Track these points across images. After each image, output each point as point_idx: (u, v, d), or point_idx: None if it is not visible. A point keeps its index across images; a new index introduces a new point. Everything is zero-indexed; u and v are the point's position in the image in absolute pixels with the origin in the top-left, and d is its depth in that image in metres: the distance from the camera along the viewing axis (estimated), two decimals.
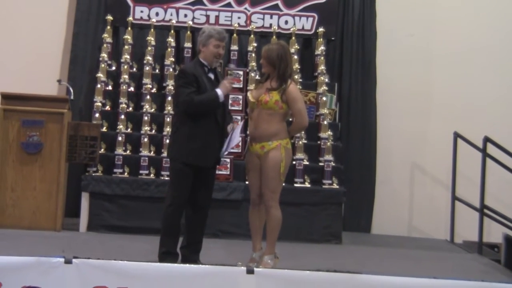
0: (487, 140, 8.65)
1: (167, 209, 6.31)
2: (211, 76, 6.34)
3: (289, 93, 6.27)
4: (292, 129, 6.46)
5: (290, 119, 6.60)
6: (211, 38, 6.28)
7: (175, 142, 6.35)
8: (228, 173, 8.52)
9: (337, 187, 8.64)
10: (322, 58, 9.57)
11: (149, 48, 9.42)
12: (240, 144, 8.58)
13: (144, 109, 8.89)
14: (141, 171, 8.56)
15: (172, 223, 6.29)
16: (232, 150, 8.59)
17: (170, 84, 8.98)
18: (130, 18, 9.68)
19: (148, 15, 9.76)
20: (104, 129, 8.82)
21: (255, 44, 9.53)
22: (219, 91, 6.20)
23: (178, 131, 6.31)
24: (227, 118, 6.50)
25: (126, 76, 9.13)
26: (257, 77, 8.90)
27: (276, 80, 6.30)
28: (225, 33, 6.44)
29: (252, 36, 9.67)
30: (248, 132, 6.61)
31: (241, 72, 9.33)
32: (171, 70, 9.25)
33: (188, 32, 9.65)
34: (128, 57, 9.34)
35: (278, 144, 6.26)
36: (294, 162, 8.57)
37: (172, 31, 9.57)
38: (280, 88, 6.26)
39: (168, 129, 8.66)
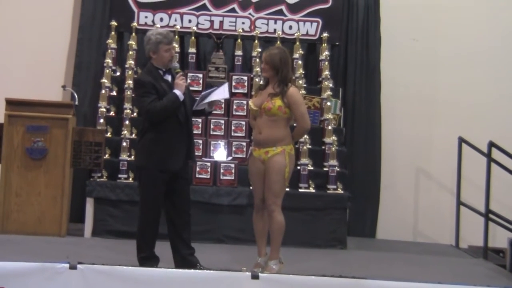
0: (492, 145, 8.63)
1: (140, 215, 6.37)
2: (168, 78, 6.36)
3: (290, 96, 6.27)
4: (295, 133, 6.47)
5: (294, 124, 6.60)
6: (160, 44, 6.29)
7: (142, 149, 6.37)
8: (233, 178, 8.51)
9: (342, 192, 8.63)
10: (326, 63, 9.56)
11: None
12: (244, 149, 8.60)
13: None
14: None
15: (148, 229, 6.33)
16: (236, 155, 8.65)
17: None
18: (135, 24, 9.69)
19: (153, 21, 9.76)
20: (108, 135, 8.82)
21: (259, 50, 9.51)
22: (176, 91, 6.22)
23: (143, 138, 6.34)
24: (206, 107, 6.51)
25: (130, 82, 9.11)
26: (261, 82, 8.90)
27: (278, 85, 6.31)
28: (171, 34, 6.47)
29: (256, 41, 9.66)
30: (252, 138, 6.61)
31: (245, 78, 9.35)
32: None
33: (193, 37, 9.66)
34: (133, 62, 9.35)
35: (282, 150, 6.28)
36: (298, 167, 8.57)
37: (176, 36, 9.55)
38: (282, 92, 6.27)
39: None
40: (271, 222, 6.33)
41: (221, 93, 6.56)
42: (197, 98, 6.57)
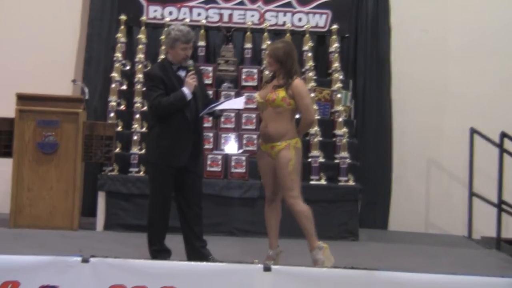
0: (504, 135, 8.60)
1: (149, 209, 6.42)
2: (181, 74, 6.32)
3: (295, 88, 6.26)
4: (300, 126, 6.44)
5: (298, 116, 6.59)
6: (177, 42, 6.24)
7: (150, 144, 6.43)
8: (244, 171, 8.51)
9: (353, 184, 8.62)
10: (336, 55, 9.54)
11: (163, 47, 9.41)
12: (255, 142, 8.58)
13: None
14: None
15: (156, 222, 6.37)
16: (247, 148, 8.65)
17: None
18: (144, 18, 9.69)
19: (162, 14, 9.76)
20: (119, 129, 8.84)
21: (268, 42, 9.44)
22: (185, 89, 6.19)
23: (151, 132, 6.39)
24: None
25: (140, 76, 9.12)
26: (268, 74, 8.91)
27: (282, 77, 6.30)
28: (191, 33, 6.38)
29: (266, 34, 9.65)
30: (259, 131, 6.61)
31: (255, 70, 9.34)
32: None
33: (202, 30, 9.65)
34: (142, 56, 9.36)
35: (287, 144, 6.27)
36: (309, 160, 8.57)
37: None
38: (286, 84, 6.26)
39: None
40: (294, 215, 6.33)
41: (236, 104, 6.57)
42: (210, 96, 6.56)
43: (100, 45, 9.77)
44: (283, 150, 6.26)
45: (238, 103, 6.62)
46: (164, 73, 6.26)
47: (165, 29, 6.42)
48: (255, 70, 9.35)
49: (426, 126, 9.88)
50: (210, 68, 9.27)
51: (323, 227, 8.35)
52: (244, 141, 8.77)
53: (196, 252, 6.33)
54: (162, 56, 9.24)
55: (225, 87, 9.29)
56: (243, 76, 9.31)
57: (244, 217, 8.41)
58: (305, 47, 9.57)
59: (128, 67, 9.55)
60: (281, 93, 6.25)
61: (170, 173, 6.26)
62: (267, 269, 4.99)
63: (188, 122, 6.23)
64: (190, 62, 6.34)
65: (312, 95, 8.80)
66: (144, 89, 8.98)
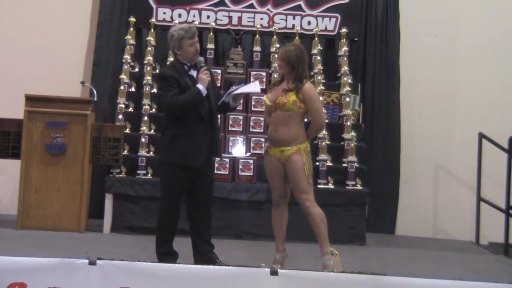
0: None
1: (160, 210, 6.40)
2: (193, 73, 6.32)
3: (306, 92, 6.25)
4: (310, 130, 6.43)
5: (306, 120, 6.57)
6: (183, 39, 6.26)
7: (164, 144, 6.39)
8: (251, 174, 8.51)
9: (361, 188, 8.61)
10: (345, 58, 9.54)
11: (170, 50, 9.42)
12: (263, 145, 8.58)
13: None
14: None
15: (166, 224, 6.35)
16: (255, 151, 8.64)
17: None
18: (153, 20, 9.71)
19: (171, 17, 9.78)
20: (127, 131, 8.84)
21: (277, 45, 9.49)
22: (199, 86, 6.19)
23: (166, 132, 6.34)
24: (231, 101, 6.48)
25: (149, 78, 9.14)
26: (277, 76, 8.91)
27: (293, 81, 6.29)
28: (193, 28, 6.43)
29: (274, 37, 9.66)
30: (267, 135, 6.59)
31: (264, 73, 9.34)
32: None
33: (211, 33, 9.66)
34: (151, 58, 9.38)
35: (297, 148, 6.25)
36: (317, 163, 8.55)
37: None
38: (297, 88, 6.24)
39: None
40: (309, 218, 6.30)
41: (251, 87, 6.59)
42: (223, 92, 6.56)
43: (109, 47, 9.79)
44: (294, 154, 6.24)
45: (253, 87, 6.62)
46: (177, 73, 6.26)
47: (168, 33, 6.41)
48: (263, 73, 9.36)
49: (434, 130, 9.86)
50: (219, 71, 9.27)
51: (330, 231, 8.28)
52: (252, 144, 8.77)
53: (203, 255, 6.32)
54: (170, 59, 9.25)
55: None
56: (252, 79, 9.30)
57: (252, 220, 8.40)
58: (314, 51, 9.56)
59: (137, 69, 9.57)
60: (292, 97, 6.24)
61: (184, 175, 6.23)
62: (274, 273, 4.98)
63: (203, 122, 6.22)
64: (201, 58, 6.35)
65: (321, 98, 8.79)
66: (153, 91, 9.04)
